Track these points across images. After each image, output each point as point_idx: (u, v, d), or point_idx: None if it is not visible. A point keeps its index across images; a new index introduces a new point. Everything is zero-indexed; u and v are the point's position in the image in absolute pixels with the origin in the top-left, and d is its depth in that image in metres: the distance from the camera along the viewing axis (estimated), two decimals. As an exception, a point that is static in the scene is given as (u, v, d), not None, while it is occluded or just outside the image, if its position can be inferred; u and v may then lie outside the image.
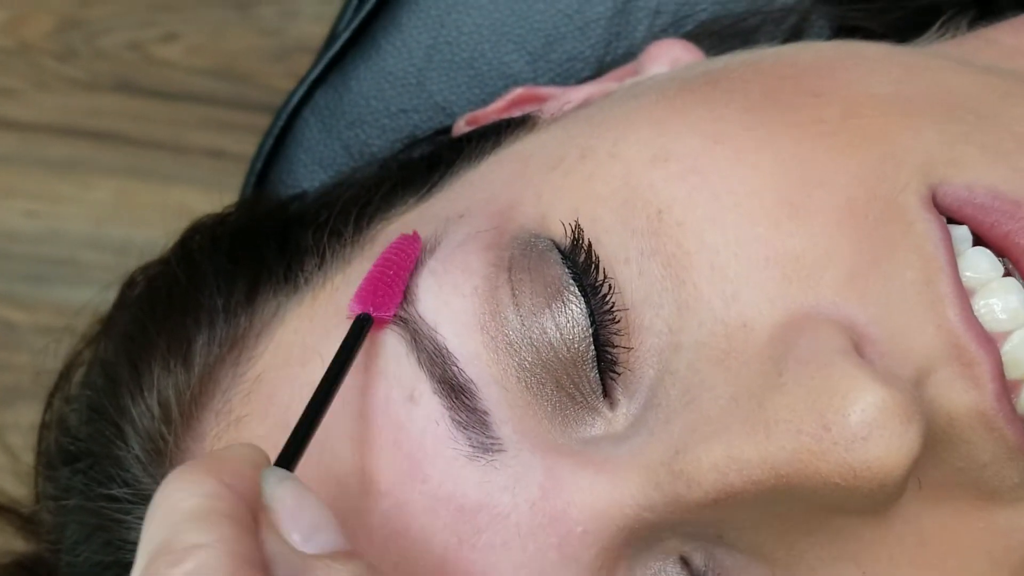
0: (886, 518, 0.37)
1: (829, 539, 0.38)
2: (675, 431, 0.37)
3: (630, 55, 0.52)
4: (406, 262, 0.39)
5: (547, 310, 0.38)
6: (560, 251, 0.39)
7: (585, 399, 0.39)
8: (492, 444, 0.38)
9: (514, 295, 0.39)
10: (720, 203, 0.38)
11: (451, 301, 0.39)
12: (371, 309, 0.38)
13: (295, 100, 0.58)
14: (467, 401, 0.38)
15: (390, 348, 0.39)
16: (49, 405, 0.51)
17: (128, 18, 1.07)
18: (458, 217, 0.41)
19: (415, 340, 0.39)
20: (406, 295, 0.40)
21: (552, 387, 0.38)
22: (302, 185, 0.58)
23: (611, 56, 0.54)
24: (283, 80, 1.06)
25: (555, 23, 0.55)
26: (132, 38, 1.07)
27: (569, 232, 0.39)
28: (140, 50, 1.07)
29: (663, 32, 0.53)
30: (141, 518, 0.41)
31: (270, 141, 0.58)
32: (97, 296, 0.56)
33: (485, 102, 0.53)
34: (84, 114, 1.08)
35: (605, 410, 0.39)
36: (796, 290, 0.37)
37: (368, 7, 0.55)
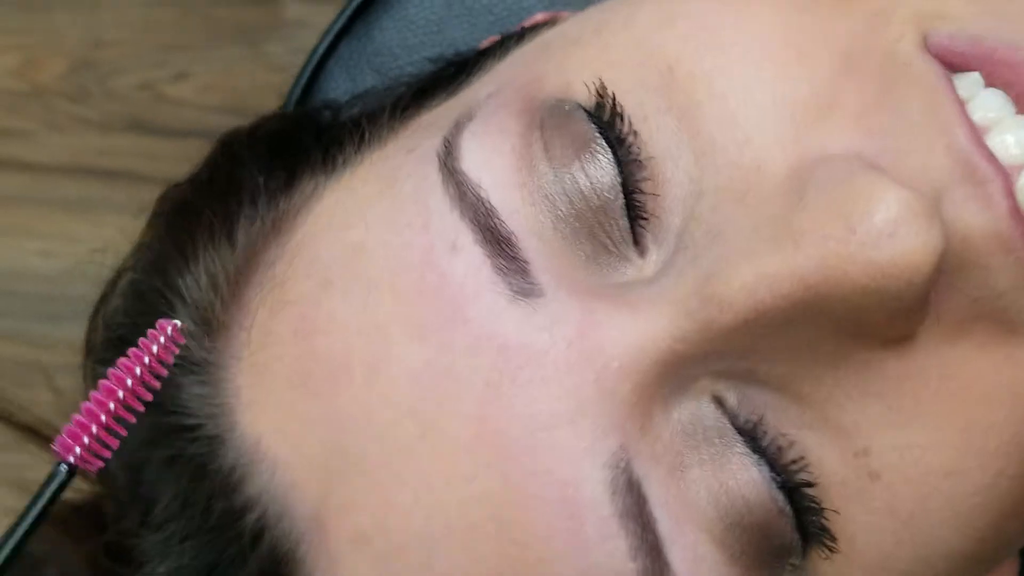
0: (909, 351, 0.38)
1: (856, 373, 0.39)
2: (703, 264, 0.38)
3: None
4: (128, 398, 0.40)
5: (577, 161, 0.40)
6: (585, 110, 0.41)
7: (617, 247, 0.40)
8: (532, 289, 0.39)
9: (546, 150, 0.40)
10: (727, 54, 0.40)
11: (491, 160, 0.41)
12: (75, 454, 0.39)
13: (320, 51, 0.59)
14: (508, 251, 0.39)
15: (433, 204, 0.41)
16: (92, 327, 0.51)
17: (140, 59, 1.09)
18: (488, 97, 0.43)
19: (460, 195, 0.40)
20: (452, 149, 0.41)
21: (586, 236, 0.40)
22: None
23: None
24: (293, 115, 1.08)
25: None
26: (144, 78, 1.09)
27: (593, 91, 0.41)
28: (152, 89, 1.09)
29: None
30: (190, 391, 0.43)
31: (298, 91, 0.59)
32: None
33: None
34: (97, 154, 1.09)
35: (636, 257, 0.40)
36: (806, 132, 0.39)
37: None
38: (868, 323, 0.38)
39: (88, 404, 0.39)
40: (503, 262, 0.39)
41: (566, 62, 0.42)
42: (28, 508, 0.39)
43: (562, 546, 0.38)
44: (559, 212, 0.40)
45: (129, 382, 0.39)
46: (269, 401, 0.41)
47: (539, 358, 0.39)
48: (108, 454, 0.39)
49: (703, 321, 0.38)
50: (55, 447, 0.39)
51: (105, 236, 1.08)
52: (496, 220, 0.40)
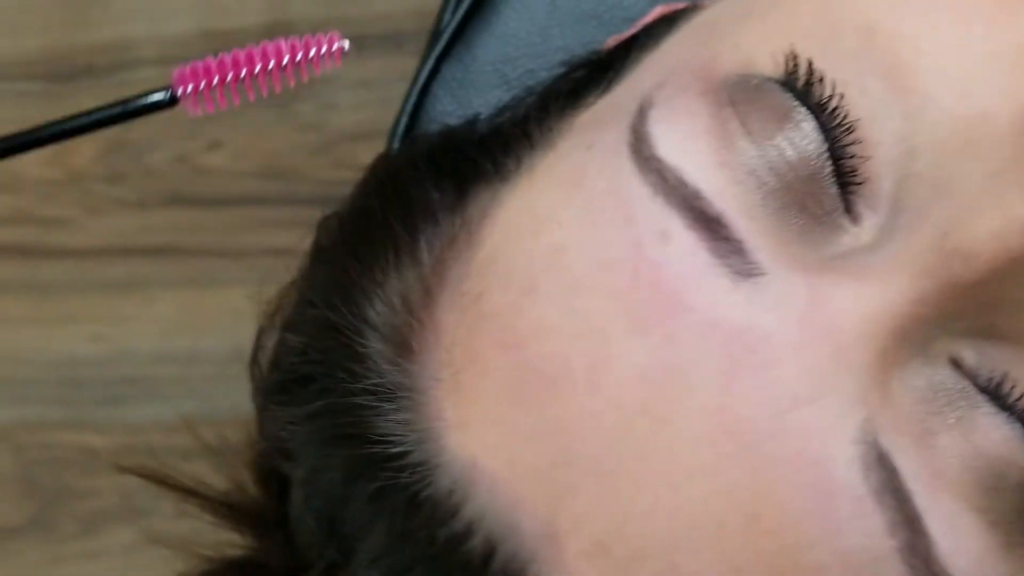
0: None
1: None
2: (935, 220, 0.37)
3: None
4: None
5: (779, 133, 0.39)
6: (777, 81, 0.40)
7: (829, 217, 0.39)
8: (752, 269, 0.38)
9: (743, 125, 0.40)
10: (930, 12, 0.40)
11: (686, 143, 0.40)
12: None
13: (424, 77, 0.59)
14: (721, 232, 0.39)
15: (633, 195, 0.40)
16: (254, 375, 0.50)
17: (171, 133, 1.09)
18: (658, 87, 0.42)
19: (661, 181, 0.40)
20: (643, 137, 0.40)
21: (796, 210, 0.39)
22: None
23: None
24: (329, 171, 1.08)
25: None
26: (178, 152, 1.09)
27: (781, 61, 0.40)
28: (187, 162, 1.09)
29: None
30: (391, 418, 0.42)
31: (404, 119, 0.59)
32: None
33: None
34: (138, 232, 1.09)
35: (850, 226, 0.39)
36: None
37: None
38: None
39: (226, 56, 0.38)
40: (718, 244, 0.38)
41: (743, 37, 0.41)
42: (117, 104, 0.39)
43: (817, 531, 0.37)
44: (767, 187, 0.39)
45: (273, 62, 0.38)
46: (480, 419, 0.40)
47: (771, 339, 0.38)
48: (211, 106, 0.38)
49: (946, 278, 0.37)
50: (172, 76, 0.38)
51: (155, 314, 1.08)
52: (704, 202, 0.39)
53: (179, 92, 0.38)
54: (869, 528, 0.37)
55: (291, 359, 0.47)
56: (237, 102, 0.38)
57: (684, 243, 0.39)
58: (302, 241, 0.49)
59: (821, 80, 0.39)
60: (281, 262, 1.09)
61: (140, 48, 1.09)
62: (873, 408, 0.37)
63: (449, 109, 0.59)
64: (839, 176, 0.39)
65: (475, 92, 0.59)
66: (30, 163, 1.08)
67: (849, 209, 0.39)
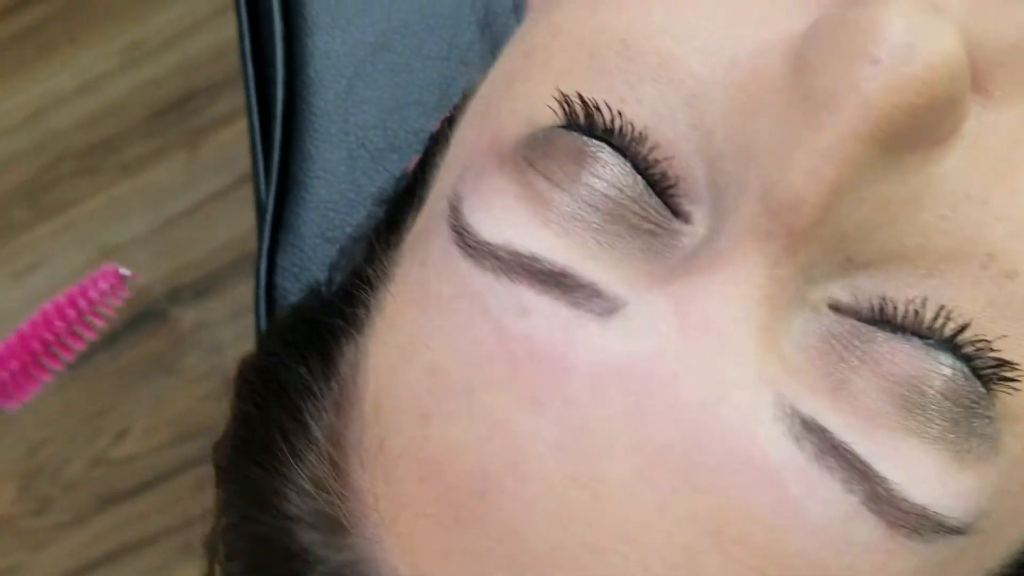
0: (974, 135, 0.38)
1: (936, 192, 0.38)
2: (753, 185, 0.37)
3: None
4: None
5: (583, 172, 0.40)
6: (561, 126, 0.40)
7: (661, 227, 0.39)
8: (612, 304, 0.38)
9: (548, 179, 0.40)
10: (668, 2, 0.40)
11: (506, 218, 0.40)
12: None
13: (263, 277, 0.59)
14: (571, 283, 0.39)
15: (479, 285, 0.40)
16: None
17: (76, 441, 1.08)
18: (459, 180, 0.43)
19: (498, 264, 0.40)
20: (464, 230, 0.40)
21: (630, 234, 0.39)
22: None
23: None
24: (239, 409, 1.07)
25: (441, 72, 0.58)
26: (89, 456, 1.08)
27: (557, 108, 0.41)
28: (102, 462, 1.08)
29: None
30: None
31: (262, 322, 0.59)
32: None
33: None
34: (87, 547, 1.07)
35: (683, 226, 0.39)
36: (778, 20, 0.39)
37: (276, 158, 0.57)
38: (927, 136, 0.37)
39: (12, 338, 0.36)
40: (574, 295, 0.38)
41: (515, 102, 0.42)
42: None
43: (780, 520, 0.36)
44: (593, 225, 0.39)
45: (62, 323, 0.36)
46: (431, 558, 0.39)
47: (658, 360, 0.37)
48: (24, 393, 0.36)
49: (786, 233, 0.37)
50: None
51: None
52: (543, 263, 0.39)
53: None
54: (825, 495, 0.37)
55: (232, 562, 0.46)
56: (46, 378, 0.36)
57: (543, 308, 0.39)
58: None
59: (597, 108, 0.40)
60: (231, 513, 1.08)
61: None
62: (779, 381, 0.37)
63: (298, 293, 0.59)
64: (653, 186, 0.39)
65: (316, 268, 0.59)
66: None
67: (677, 212, 0.40)
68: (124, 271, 0.37)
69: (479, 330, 0.40)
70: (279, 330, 0.49)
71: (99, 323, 0.36)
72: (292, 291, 0.60)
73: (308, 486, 0.42)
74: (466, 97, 0.48)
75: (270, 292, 0.60)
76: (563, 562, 0.38)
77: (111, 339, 1.07)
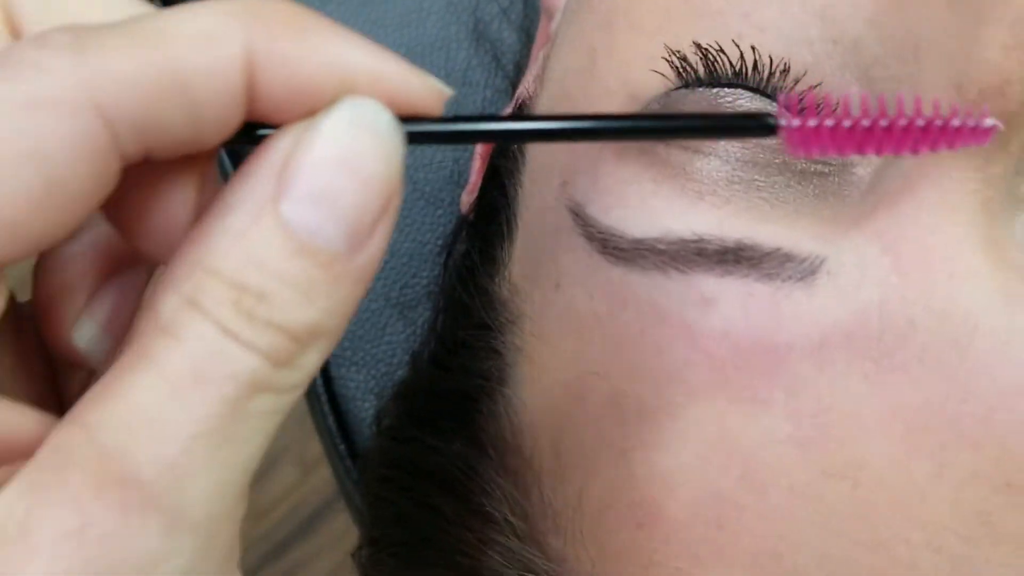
0: None
1: None
2: (935, 84, 0.33)
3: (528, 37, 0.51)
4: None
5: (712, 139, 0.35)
6: (677, 88, 0.35)
7: (829, 163, 0.34)
8: (812, 264, 0.33)
9: (686, 147, 0.35)
10: None
11: (650, 206, 0.34)
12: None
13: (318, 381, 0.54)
14: (753, 253, 0.33)
15: (644, 290, 0.34)
16: None
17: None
18: (563, 185, 0.38)
19: (660, 257, 0.34)
20: (602, 233, 0.35)
21: (797, 182, 0.34)
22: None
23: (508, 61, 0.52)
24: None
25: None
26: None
27: (666, 68, 0.35)
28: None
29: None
30: None
31: (329, 421, 0.53)
32: None
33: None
34: None
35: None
36: None
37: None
38: None
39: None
40: (762, 269, 0.33)
41: (606, 80, 0.37)
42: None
43: None
44: (756, 183, 0.34)
45: (906, 122, 0.30)
46: None
47: (884, 311, 0.32)
48: (817, 151, 0.30)
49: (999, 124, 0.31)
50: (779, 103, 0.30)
51: None
52: (715, 243, 0.34)
53: (783, 122, 0.29)
54: None
55: None
56: (849, 152, 0.30)
57: (730, 292, 0.33)
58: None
59: (721, 50, 0.35)
60: None
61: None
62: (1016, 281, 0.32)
63: (351, 376, 0.54)
64: None
65: (370, 346, 0.54)
66: None
67: None
68: (998, 124, 0.31)
69: (660, 337, 0.34)
70: (403, 413, 0.44)
71: (940, 147, 0.30)
72: (352, 378, 0.54)
73: (512, 572, 0.37)
74: (522, 104, 0.43)
75: (329, 385, 0.54)
76: (841, 571, 0.33)
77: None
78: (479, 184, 0.45)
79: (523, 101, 0.43)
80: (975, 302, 0.32)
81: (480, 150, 0.48)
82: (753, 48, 0.34)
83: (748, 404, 0.33)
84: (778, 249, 0.33)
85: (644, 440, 0.34)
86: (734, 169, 0.34)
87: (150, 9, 0.28)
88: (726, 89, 0.35)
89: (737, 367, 0.33)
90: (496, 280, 0.40)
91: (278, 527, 1.02)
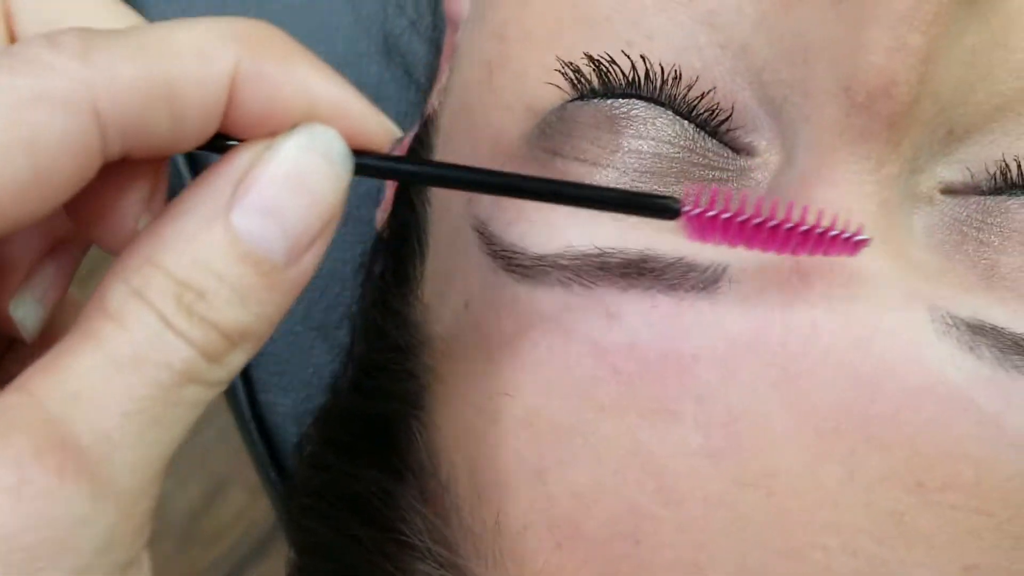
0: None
1: (1015, 30, 0.33)
2: (825, 87, 0.33)
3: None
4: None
5: (619, 138, 0.34)
6: (575, 99, 0.35)
7: (727, 169, 0.34)
8: (714, 272, 0.33)
9: (582, 160, 0.34)
10: None
11: (551, 221, 0.34)
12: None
13: (243, 400, 0.53)
14: (656, 264, 0.33)
15: (550, 306, 0.34)
16: None
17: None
18: (468, 202, 0.37)
19: (563, 273, 0.34)
20: (506, 250, 0.35)
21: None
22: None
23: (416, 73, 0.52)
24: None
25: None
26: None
27: (561, 81, 0.35)
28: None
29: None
30: None
31: (259, 447, 0.53)
32: None
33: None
34: None
35: (750, 161, 0.34)
36: None
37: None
38: None
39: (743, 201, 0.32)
40: (665, 279, 0.33)
41: (502, 94, 0.36)
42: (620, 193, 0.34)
43: (982, 444, 0.32)
44: (654, 192, 0.34)
45: (790, 224, 0.32)
46: None
47: (788, 317, 0.32)
48: (713, 239, 0.32)
49: (884, 127, 0.32)
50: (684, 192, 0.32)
51: None
52: (618, 255, 0.33)
53: (686, 209, 0.32)
54: None
55: None
56: (739, 244, 0.32)
57: (634, 305, 0.33)
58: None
59: (612, 61, 0.34)
60: None
61: None
62: (926, 293, 0.32)
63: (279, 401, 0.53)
64: (703, 127, 0.34)
65: (297, 366, 0.53)
66: None
67: (737, 148, 0.34)
68: (868, 238, 0.32)
69: (567, 354, 0.33)
70: (323, 440, 0.43)
71: (814, 252, 0.32)
72: (281, 403, 0.54)
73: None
74: (427, 121, 0.42)
75: (256, 409, 0.54)
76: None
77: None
78: (392, 201, 0.45)
79: (428, 116, 0.42)
80: (876, 302, 0.32)
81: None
82: (643, 57, 0.34)
83: (658, 416, 0.32)
84: (680, 259, 0.33)
85: (559, 458, 0.33)
86: (633, 181, 0.34)
87: (136, 15, 0.31)
88: (620, 100, 0.34)
89: (645, 380, 0.32)
90: (409, 300, 0.40)
91: (232, 551, 1.01)
